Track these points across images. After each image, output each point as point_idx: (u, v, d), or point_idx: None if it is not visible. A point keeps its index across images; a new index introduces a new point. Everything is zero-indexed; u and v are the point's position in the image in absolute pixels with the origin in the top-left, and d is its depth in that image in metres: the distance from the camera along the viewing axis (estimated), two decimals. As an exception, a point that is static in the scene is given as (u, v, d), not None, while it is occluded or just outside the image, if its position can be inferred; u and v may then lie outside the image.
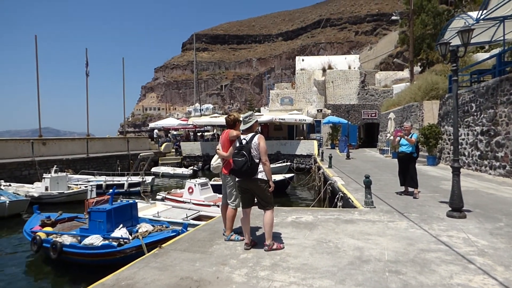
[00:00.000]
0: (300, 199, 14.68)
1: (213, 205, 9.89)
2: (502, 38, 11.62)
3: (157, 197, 12.13)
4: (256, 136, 3.96)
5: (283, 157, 22.82)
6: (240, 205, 4.48)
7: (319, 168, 14.43)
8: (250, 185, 3.95)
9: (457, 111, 5.50)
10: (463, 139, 11.24)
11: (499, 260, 3.47)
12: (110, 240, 6.30)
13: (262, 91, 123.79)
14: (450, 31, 12.04)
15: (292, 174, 16.03)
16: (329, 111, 29.46)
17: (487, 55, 16.95)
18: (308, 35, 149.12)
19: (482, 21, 10.86)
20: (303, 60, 35.31)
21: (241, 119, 4.35)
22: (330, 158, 13.61)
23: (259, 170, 3.89)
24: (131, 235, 6.50)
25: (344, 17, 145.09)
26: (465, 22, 11.08)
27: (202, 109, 78.39)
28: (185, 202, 10.45)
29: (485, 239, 4.17)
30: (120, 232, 6.46)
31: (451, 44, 6.54)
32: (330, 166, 13.11)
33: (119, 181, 16.09)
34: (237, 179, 4.08)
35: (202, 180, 11.34)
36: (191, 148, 26.53)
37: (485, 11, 10.28)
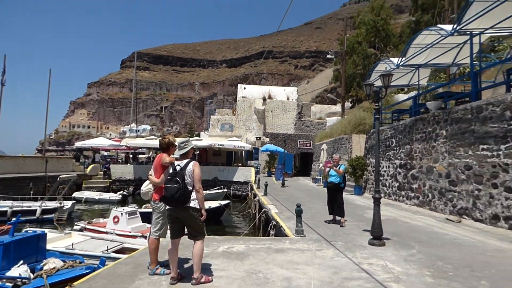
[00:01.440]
0: (235, 227, 14.53)
1: (140, 236, 9.22)
2: (417, 82, 13.38)
3: (75, 227, 10.88)
4: (191, 163, 3.90)
5: (221, 183, 22.64)
6: (165, 235, 4.28)
7: (255, 195, 14.57)
8: (182, 214, 3.82)
9: (378, 146, 6.09)
10: (385, 171, 12.40)
11: (411, 285, 3.78)
12: (4, 280, 5.28)
13: (203, 116, 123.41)
14: (375, 73, 13.52)
15: (228, 201, 15.91)
16: (268, 139, 30.38)
17: (406, 96, 19.31)
18: (251, 64, 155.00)
19: (401, 67, 12.42)
20: (245, 88, 36.34)
21: (176, 143, 4.26)
22: (266, 185, 13.88)
23: (192, 198, 3.81)
24: (33, 273, 5.57)
25: (286, 51, 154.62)
26: (386, 67, 12.57)
27: (139, 130, 75.06)
28: (107, 233, 9.53)
29: (400, 266, 4.54)
30: (19, 270, 5.44)
31: (375, 85, 7.32)
32: (265, 194, 13.33)
33: (30, 206, 14.23)
34: (167, 207, 3.92)
35: (131, 208, 10.56)
36: (122, 171, 24.91)
37: (404, 59, 11.81)
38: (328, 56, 30.64)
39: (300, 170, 31.54)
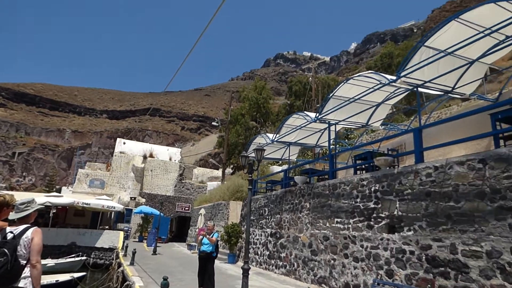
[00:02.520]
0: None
1: None
2: (289, 157, 15.05)
3: None
4: (31, 230, 3.18)
5: (79, 250, 19.27)
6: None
7: (119, 264, 12.84)
8: (3, 297, 2.96)
9: (250, 216, 6.34)
10: (258, 239, 12.84)
11: None
12: None
13: (70, 168, 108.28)
14: (253, 145, 14.70)
15: (84, 273, 13.49)
16: (144, 200, 28.33)
17: (280, 168, 21.36)
18: (136, 119, 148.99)
19: (276, 143, 13.89)
20: (124, 143, 34.16)
21: (14, 204, 3.48)
22: (134, 253, 12.47)
23: (23, 275, 3.04)
24: None
25: (174, 111, 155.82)
26: (259, 143, 13.86)
27: (-26, 178, 59.54)
28: None
29: None
30: None
31: (252, 157, 7.86)
32: (132, 263, 11.90)
33: None
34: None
35: None
36: None
37: (278, 135, 13.29)
38: (214, 123, 32.27)
39: (176, 235, 29.86)
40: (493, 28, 5.94)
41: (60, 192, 32.84)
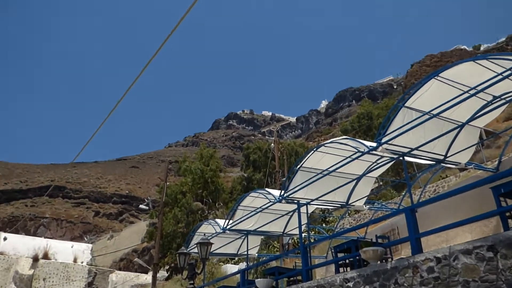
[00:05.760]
0: None
1: None
2: (247, 252, 14.66)
3: None
4: None
5: None
6: None
7: None
8: None
9: None
10: None
11: None
12: None
13: None
14: (197, 236, 14.27)
15: None
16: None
17: (236, 267, 20.67)
18: (28, 202, 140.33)
19: (229, 231, 13.61)
20: (5, 238, 31.49)
21: None
22: None
23: None
24: None
25: (85, 190, 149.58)
26: (206, 233, 13.54)
27: None
28: None
29: None
30: None
31: (194, 253, 7.61)
32: None
33: None
34: None
35: None
36: None
37: (231, 222, 13.13)
38: (142, 206, 31.40)
39: None
40: (478, 88, 6.79)
41: None
